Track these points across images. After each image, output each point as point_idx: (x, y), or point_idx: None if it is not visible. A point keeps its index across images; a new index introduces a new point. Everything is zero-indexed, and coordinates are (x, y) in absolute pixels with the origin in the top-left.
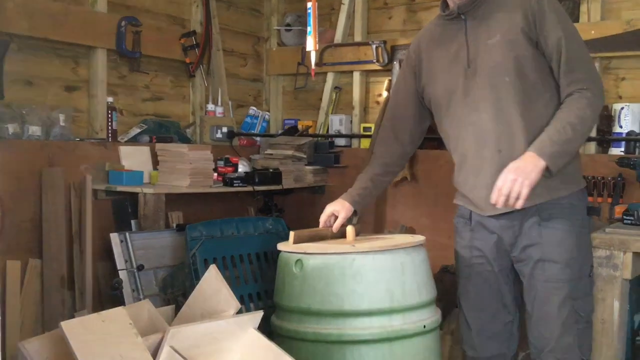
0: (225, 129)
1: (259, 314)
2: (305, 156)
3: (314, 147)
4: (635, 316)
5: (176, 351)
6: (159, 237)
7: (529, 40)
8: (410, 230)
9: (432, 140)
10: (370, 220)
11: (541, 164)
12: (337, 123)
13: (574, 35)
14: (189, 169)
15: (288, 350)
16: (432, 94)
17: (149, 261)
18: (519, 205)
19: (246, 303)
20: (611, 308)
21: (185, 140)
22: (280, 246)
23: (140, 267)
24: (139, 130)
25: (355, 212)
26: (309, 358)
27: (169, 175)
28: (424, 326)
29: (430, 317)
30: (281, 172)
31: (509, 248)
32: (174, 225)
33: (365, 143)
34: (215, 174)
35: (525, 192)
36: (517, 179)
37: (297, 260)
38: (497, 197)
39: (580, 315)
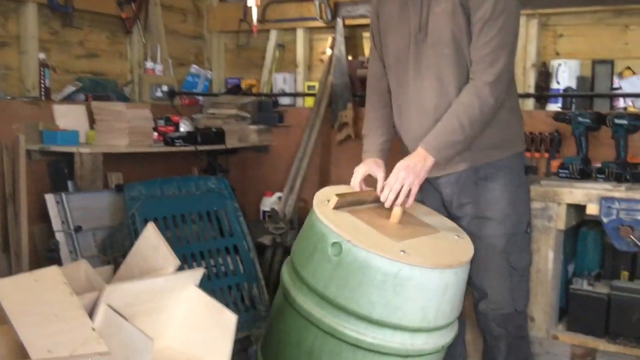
0: (165, 88)
1: (200, 271)
2: (249, 115)
3: (257, 106)
4: (569, 266)
5: (113, 309)
6: (97, 198)
7: (465, 13)
8: None
9: None
10: (315, 179)
11: (430, 158)
12: (280, 81)
13: (502, 16)
14: (127, 127)
15: (294, 321)
16: (384, 52)
17: (87, 222)
18: (409, 203)
19: (189, 263)
20: (546, 258)
21: (123, 99)
22: (318, 208)
23: (77, 229)
24: (73, 89)
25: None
26: (316, 344)
27: (106, 135)
28: (442, 346)
29: (450, 335)
30: (224, 132)
31: (448, 204)
32: (113, 186)
33: (309, 102)
34: (156, 134)
35: (415, 190)
36: (407, 177)
37: (335, 242)
38: (387, 194)
39: (513, 268)
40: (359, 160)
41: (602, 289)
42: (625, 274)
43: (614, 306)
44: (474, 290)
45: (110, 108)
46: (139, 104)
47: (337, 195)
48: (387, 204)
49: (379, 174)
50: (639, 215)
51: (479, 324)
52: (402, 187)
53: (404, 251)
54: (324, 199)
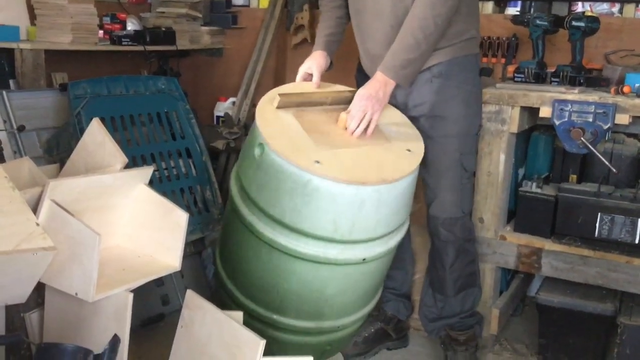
0: None
1: (149, 170)
2: (200, 15)
3: (209, 6)
4: (520, 170)
5: (58, 204)
6: (41, 97)
7: None
8: None
9: None
10: (270, 84)
11: (389, 83)
12: None
13: None
14: (69, 23)
15: (232, 214)
16: None
17: (31, 122)
18: (371, 130)
19: (139, 165)
20: (497, 161)
21: None
22: (261, 107)
23: (21, 128)
24: None
25: (331, 63)
26: (244, 239)
27: (48, 31)
28: (364, 259)
29: (377, 249)
30: (175, 32)
31: (402, 107)
32: (57, 85)
33: (264, 2)
34: (102, 32)
35: (376, 117)
36: (369, 106)
37: (260, 143)
38: (350, 125)
39: (464, 170)
40: None
41: (550, 191)
42: (573, 177)
43: (560, 207)
44: (426, 191)
45: (52, 2)
46: None
47: (281, 95)
48: (355, 135)
49: (315, 71)
50: (590, 118)
51: (428, 228)
52: (364, 115)
53: (318, 161)
54: (273, 98)
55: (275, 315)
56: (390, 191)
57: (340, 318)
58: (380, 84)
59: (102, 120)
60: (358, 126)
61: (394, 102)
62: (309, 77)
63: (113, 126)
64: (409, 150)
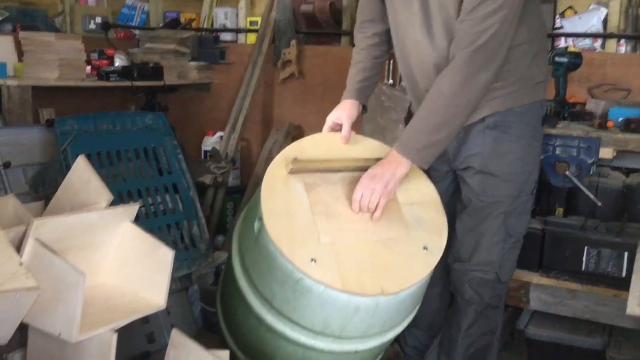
0: (99, 20)
1: (135, 207)
2: (188, 51)
3: (198, 42)
4: None
5: (42, 243)
6: (28, 133)
7: None
8: (298, 129)
9: (320, 35)
10: (257, 119)
11: (404, 164)
12: (222, 16)
13: None
14: (57, 59)
15: (229, 270)
16: None
17: (17, 158)
18: (376, 216)
19: (125, 201)
20: None
21: (53, 30)
22: (273, 167)
23: (7, 164)
24: (0, 18)
25: (364, 107)
26: (235, 298)
27: (35, 67)
28: (356, 351)
29: (372, 344)
30: (162, 67)
31: (451, 157)
32: (44, 121)
33: (251, 38)
34: (89, 67)
35: (383, 202)
36: (374, 189)
37: (260, 217)
38: (355, 208)
39: (509, 235)
40: (301, 99)
41: (536, 224)
42: (559, 210)
43: (547, 241)
44: (452, 252)
45: (39, 39)
46: (70, 34)
47: (295, 162)
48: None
49: (344, 120)
50: (575, 152)
51: (452, 281)
52: (368, 200)
53: (314, 260)
54: (287, 158)
55: None
56: (390, 301)
57: None
58: (392, 165)
59: (89, 156)
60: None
61: (444, 153)
62: (337, 127)
63: (99, 162)
64: (425, 249)
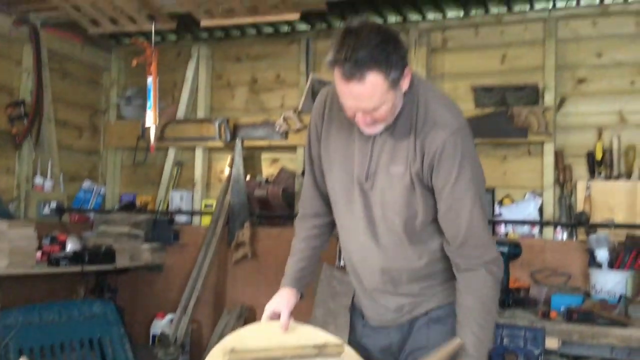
0: (54, 204)
1: None
2: (142, 233)
3: (152, 224)
4: None
5: None
6: None
7: (422, 183)
8: (251, 311)
9: (273, 218)
10: (210, 300)
11: None
12: (177, 199)
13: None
14: (7, 248)
15: None
16: (328, 183)
17: None
18: None
19: None
20: None
21: (7, 216)
22: (210, 358)
23: None
24: None
25: (301, 295)
26: None
27: None
28: None
29: None
30: (115, 251)
31: (396, 351)
32: None
33: (206, 220)
34: (40, 253)
35: None
36: None
37: None
38: None
39: None
40: (254, 281)
41: None
42: None
43: None
44: None
45: None
46: (22, 221)
47: (230, 352)
48: None
49: (283, 311)
50: (521, 342)
51: None
52: None
53: None
54: (225, 350)
55: None
56: None
57: None
58: None
59: (31, 351)
60: None
61: (387, 343)
62: (276, 316)
63: (41, 355)
64: None
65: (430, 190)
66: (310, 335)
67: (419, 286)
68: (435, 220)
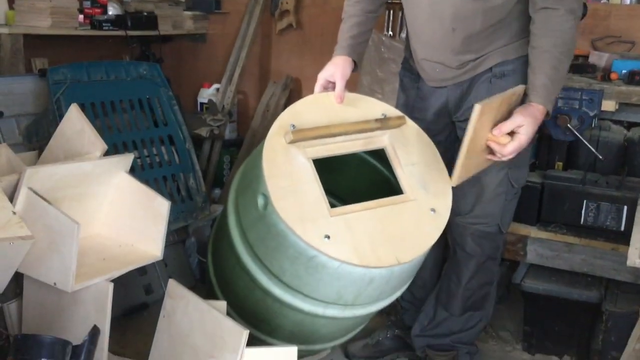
0: None
1: (129, 157)
2: (183, 0)
3: None
4: None
5: (35, 192)
6: (20, 83)
7: None
8: (297, 82)
9: None
10: (255, 72)
11: (542, 115)
12: None
13: None
14: (49, 7)
15: (224, 234)
16: None
17: (10, 108)
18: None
19: (120, 152)
20: None
21: None
22: (271, 139)
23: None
24: None
25: (355, 64)
26: (236, 270)
27: (27, 15)
28: (363, 315)
29: (381, 305)
30: (157, 16)
31: (452, 109)
32: (37, 70)
33: None
34: (82, 16)
35: (517, 146)
36: (529, 132)
37: (264, 194)
38: (500, 131)
39: (512, 186)
40: (299, 51)
41: (535, 178)
42: (559, 164)
43: (546, 195)
44: (459, 197)
45: None
46: None
47: (295, 132)
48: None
49: (338, 80)
50: (577, 105)
51: (451, 235)
52: (526, 137)
53: (328, 236)
54: (284, 127)
55: (264, 336)
56: (403, 268)
57: (333, 341)
58: (538, 120)
59: (82, 106)
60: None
61: (444, 102)
62: (330, 85)
63: (93, 112)
64: (433, 211)
65: None
66: (369, 107)
67: (488, 39)
68: None
